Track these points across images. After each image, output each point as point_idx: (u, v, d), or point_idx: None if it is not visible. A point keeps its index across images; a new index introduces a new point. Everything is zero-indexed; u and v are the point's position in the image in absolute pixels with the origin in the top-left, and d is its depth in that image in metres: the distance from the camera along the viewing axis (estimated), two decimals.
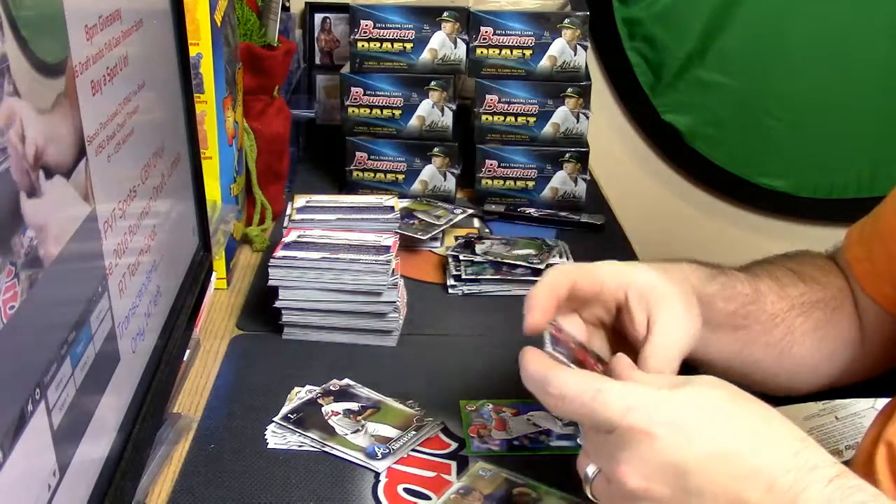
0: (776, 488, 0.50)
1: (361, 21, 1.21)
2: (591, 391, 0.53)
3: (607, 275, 0.68)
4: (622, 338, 0.68)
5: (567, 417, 0.61)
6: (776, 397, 1.01)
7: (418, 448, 0.76)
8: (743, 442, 0.52)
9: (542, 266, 1.03)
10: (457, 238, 1.15)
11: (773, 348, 0.80)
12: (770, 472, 0.51)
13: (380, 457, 0.74)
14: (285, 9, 1.38)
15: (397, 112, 1.24)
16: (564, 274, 0.67)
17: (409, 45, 1.21)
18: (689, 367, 0.81)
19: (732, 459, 0.51)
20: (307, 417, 0.79)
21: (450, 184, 1.27)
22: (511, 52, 1.21)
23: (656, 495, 0.52)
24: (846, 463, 0.69)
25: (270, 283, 0.90)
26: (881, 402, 0.95)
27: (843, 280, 0.84)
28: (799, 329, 0.80)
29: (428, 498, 0.70)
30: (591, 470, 0.56)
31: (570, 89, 1.22)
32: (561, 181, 1.26)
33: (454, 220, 1.18)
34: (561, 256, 1.07)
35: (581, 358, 0.63)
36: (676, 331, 0.67)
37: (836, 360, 0.82)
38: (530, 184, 1.26)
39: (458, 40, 1.21)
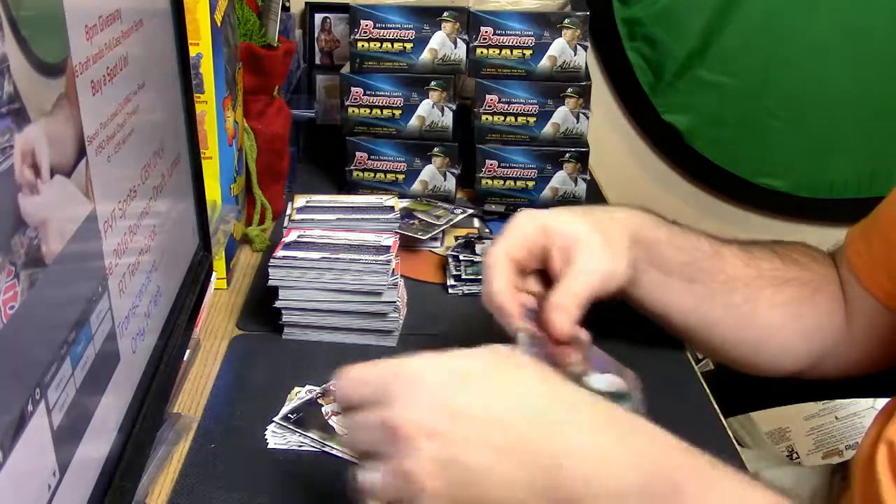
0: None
1: (361, 21, 1.21)
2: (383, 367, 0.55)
3: (536, 231, 0.75)
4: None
5: (358, 401, 0.57)
6: (777, 397, 1.02)
7: None
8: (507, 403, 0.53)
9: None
10: (457, 238, 1.15)
11: (733, 311, 0.81)
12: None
13: None
14: (285, 9, 1.38)
15: (397, 112, 1.24)
16: (504, 261, 0.74)
17: (409, 45, 1.21)
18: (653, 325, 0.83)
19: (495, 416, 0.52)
20: (307, 417, 0.79)
21: (450, 184, 1.27)
22: (511, 52, 1.21)
23: (424, 429, 0.51)
24: (847, 462, 0.69)
25: (270, 283, 0.90)
26: (881, 402, 0.95)
27: (832, 270, 0.84)
28: (766, 300, 0.81)
29: None
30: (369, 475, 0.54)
31: (570, 89, 1.22)
32: (561, 181, 1.26)
33: (454, 220, 1.18)
34: None
35: (553, 352, 0.68)
36: (585, 271, 0.73)
37: (814, 343, 0.82)
38: (530, 184, 1.26)
39: (458, 40, 1.21)
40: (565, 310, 0.71)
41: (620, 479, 0.50)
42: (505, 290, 0.72)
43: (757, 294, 0.81)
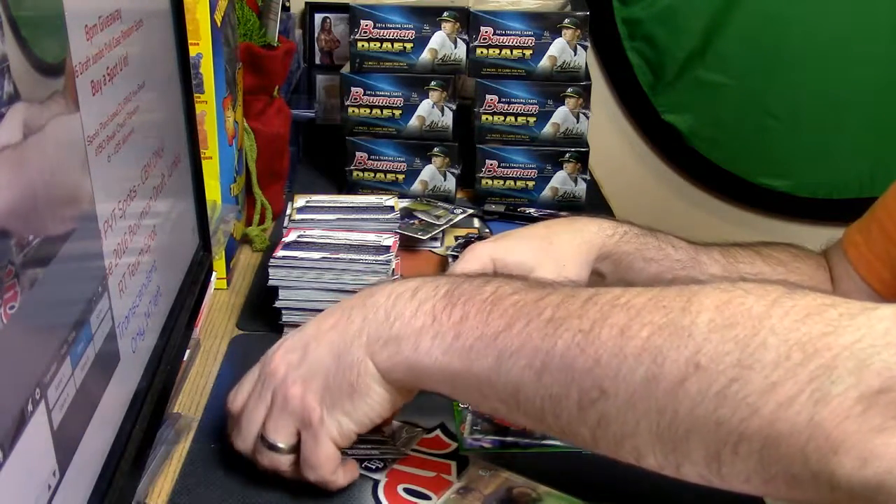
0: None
1: (361, 21, 1.21)
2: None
3: (485, 263, 0.80)
4: None
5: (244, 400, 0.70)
6: None
7: (418, 448, 0.76)
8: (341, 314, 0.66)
9: None
10: (457, 238, 1.15)
11: None
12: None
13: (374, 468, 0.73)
14: (285, 9, 1.38)
15: (397, 112, 1.24)
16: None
17: (409, 45, 1.21)
18: None
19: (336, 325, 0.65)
20: None
21: (450, 184, 1.27)
22: (511, 52, 1.21)
23: (292, 360, 0.65)
24: None
25: (270, 283, 0.90)
26: None
27: (819, 269, 0.84)
28: None
29: (428, 498, 0.70)
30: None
31: (570, 89, 1.22)
32: (561, 181, 1.26)
33: (454, 220, 1.18)
34: None
35: None
36: None
37: None
38: (530, 184, 1.26)
39: (458, 40, 1.21)
40: None
41: (409, 308, 0.62)
42: None
43: None
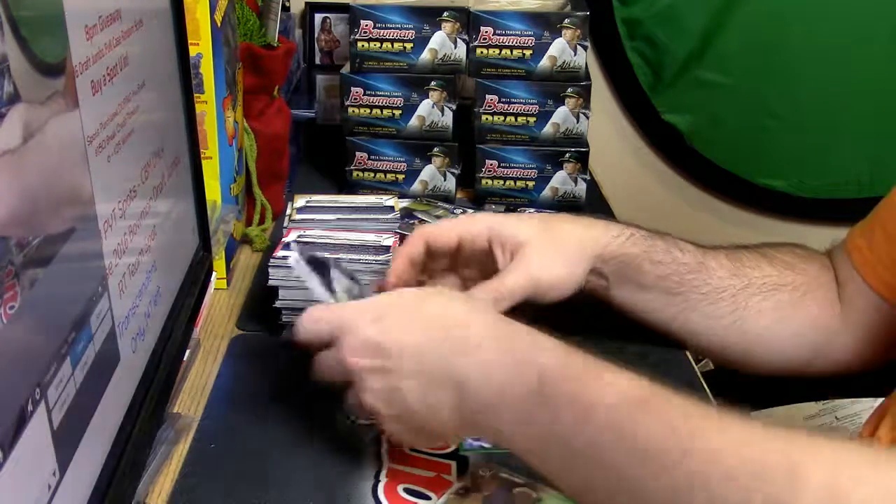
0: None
1: (361, 21, 1.21)
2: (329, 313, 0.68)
3: (467, 226, 0.80)
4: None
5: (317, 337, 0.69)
6: (777, 397, 1.01)
7: (418, 448, 0.76)
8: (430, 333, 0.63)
9: None
10: None
11: (718, 320, 0.82)
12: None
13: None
14: (285, 9, 1.38)
15: (397, 112, 1.24)
16: (417, 236, 0.80)
17: (409, 45, 1.21)
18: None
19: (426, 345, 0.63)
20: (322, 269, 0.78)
21: (450, 184, 1.27)
22: (511, 52, 1.21)
23: (365, 366, 0.63)
24: None
25: (270, 283, 0.90)
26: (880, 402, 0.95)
27: (824, 270, 0.84)
28: (754, 307, 0.82)
29: (428, 498, 0.70)
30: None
31: (570, 89, 1.22)
32: (561, 181, 1.26)
33: None
34: None
35: None
36: (517, 274, 0.76)
37: (803, 344, 0.83)
38: (530, 184, 1.26)
39: (458, 40, 1.21)
40: (484, 291, 0.76)
41: (502, 384, 0.58)
42: (402, 256, 0.79)
43: (745, 303, 0.82)
